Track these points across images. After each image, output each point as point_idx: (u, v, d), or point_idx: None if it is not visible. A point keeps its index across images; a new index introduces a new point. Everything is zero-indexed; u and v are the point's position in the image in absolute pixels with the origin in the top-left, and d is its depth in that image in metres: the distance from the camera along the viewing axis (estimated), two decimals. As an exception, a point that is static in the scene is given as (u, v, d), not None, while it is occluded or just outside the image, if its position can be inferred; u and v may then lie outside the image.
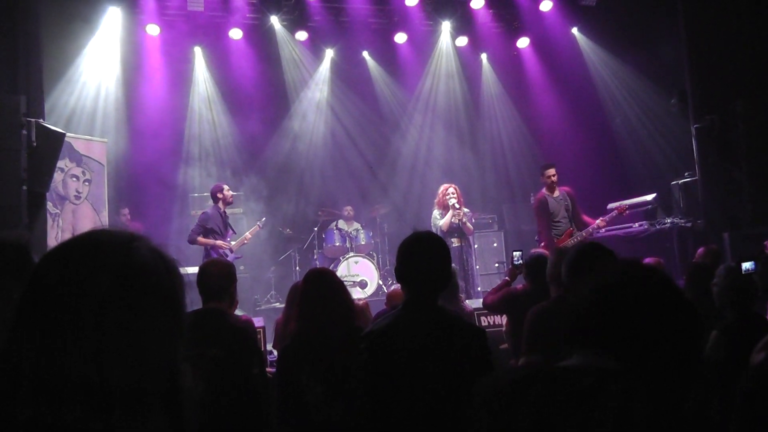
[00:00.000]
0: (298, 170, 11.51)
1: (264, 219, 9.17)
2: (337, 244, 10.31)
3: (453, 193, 8.06)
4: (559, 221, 7.90)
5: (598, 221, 7.73)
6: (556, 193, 8.02)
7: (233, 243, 8.22)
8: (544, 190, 8.06)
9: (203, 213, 8.28)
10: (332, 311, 3.18)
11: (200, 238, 8.02)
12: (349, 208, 10.93)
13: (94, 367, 0.94)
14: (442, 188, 8.22)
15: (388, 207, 11.19)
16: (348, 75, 11.67)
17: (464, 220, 8.04)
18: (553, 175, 8.04)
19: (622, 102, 10.98)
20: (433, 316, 2.57)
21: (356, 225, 10.80)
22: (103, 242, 1.03)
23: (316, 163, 11.58)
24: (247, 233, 8.63)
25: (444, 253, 2.63)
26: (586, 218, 7.95)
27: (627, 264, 1.30)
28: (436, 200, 8.25)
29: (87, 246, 1.02)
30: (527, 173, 11.40)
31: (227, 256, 7.96)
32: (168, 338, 1.03)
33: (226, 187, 8.32)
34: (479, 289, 8.99)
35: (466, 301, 6.16)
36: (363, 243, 10.33)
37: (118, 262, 1.00)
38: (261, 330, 6.32)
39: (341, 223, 10.82)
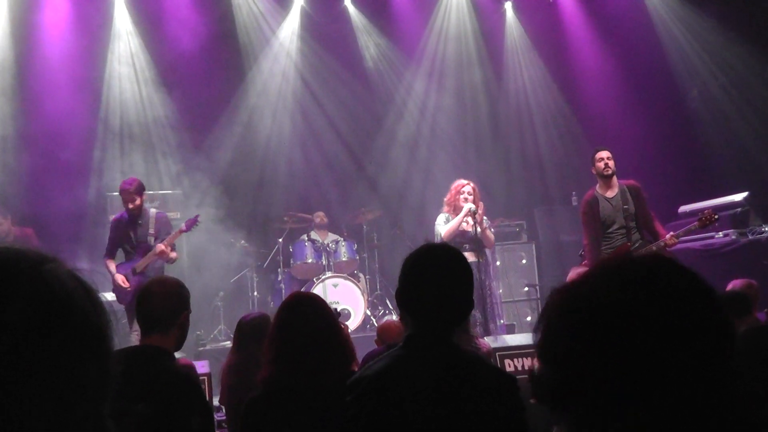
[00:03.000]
0: (257, 160, 11.43)
1: (197, 217, 8.40)
2: (310, 260, 10.19)
3: (469, 194, 8.03)
4: (612, 232, 7.61)
5: (667, 237, 7.37)
6: (613, 192, 7.69)
7: (141, 263, 7.75)
8: (596, 187, 7.79)
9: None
10: (325, 353, 3.22)
11: (108, 261, 7.84)
12: (320, 214, 10.95)
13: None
14: (455, 185, 8.23)
15: (379, 210, 11.11)
16: (324, 31, 11.66)
17: (485, 225, 8.07)
18: (608, 159, 7.66)
19: (701, 68, 10.87)
20: (445, 358, 2.60)
21: (332, 237, 10.81)
22: (10, 263, 1.04)
23: (280, 150, 11.50)
24: (160, 244, 7.81)
25: (465, 273, 2.69)
26: (659, 227, 7.62)
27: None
28: (445, 199, 8.27)
29: None
30: (568, 165, 11.23)
31: (129, 281, 7.67)
32: (95, 389, 1.05)
33: (129, 189, 7.74)
34: (502, 321, 9.00)
35: (484, 338, 6.31)
36: (344, 259, 10.24)
37: (32, 290, 1.01)
38: (205, 378, 6.25)
39: (314, 233, 10.82)
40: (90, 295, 1.09)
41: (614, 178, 7.66)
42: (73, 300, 1.05)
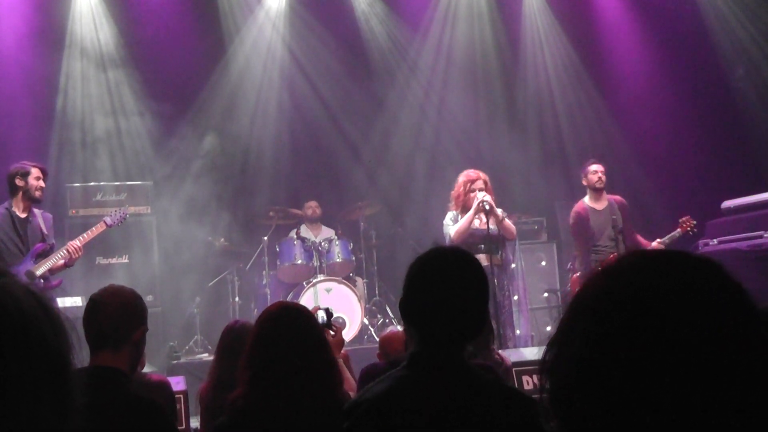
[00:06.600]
0: (238, 147, 11.43)
1: (123, 210, 8.34)
2: (299, 262, 10.21)
3: (480, 189, 8.04)
4: (601, 244, 8.54)
5: (653, 244, 8.36)
6: (602, 204, 8.70)
7: (41, 266, 7.38)
8: (585, 199, 8.79)
9: None
10: (308, 374, 3.19)
11: None
12: (312, 204, 10.91)
13: None
14: (463, 176, 8.25)
15: (378, 205, 11.15)
16: (317, 1, 11.68)
17: (501, 216, 8.07)
18: (602, 174, 8.65)
19: (748, 43, 10.90)
20: (455, 379, 2.59)
21: (327, 232, 10.81)
22: None
23: (265, 136, 11.46)
24: (75, 241, 7.61)
25: (479, 281, 2.70)
26: (640, 239, 8.61)
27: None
28: (453, 193, 8.30)
29: None
30: (593, 153, 10.93)
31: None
32: (52, 426, 1.05)
33: (35, 170, 7.49)
34: (519, 332, 9.18)
35: (500, 351, 6.33)
36: (338, 260, 10.24)
37: None
38: (181, 396, 6.25)
39: (304, 230, 10.76)
40: (49, 315, 1.08)
41: (604, 192, 8.71)
42: (30, 320, 1.04)
